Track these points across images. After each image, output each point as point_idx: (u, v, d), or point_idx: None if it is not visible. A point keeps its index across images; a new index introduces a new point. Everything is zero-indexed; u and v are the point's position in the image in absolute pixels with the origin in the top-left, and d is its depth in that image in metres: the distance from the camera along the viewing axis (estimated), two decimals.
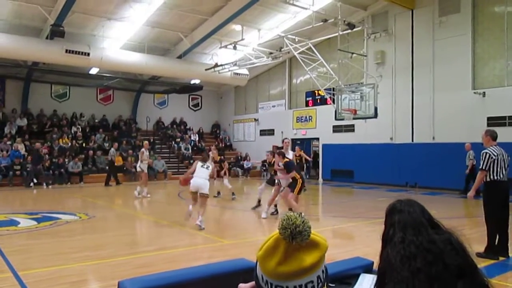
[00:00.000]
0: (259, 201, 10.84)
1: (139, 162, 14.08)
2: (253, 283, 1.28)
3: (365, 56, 17.80)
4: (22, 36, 16.34)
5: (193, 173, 8.51)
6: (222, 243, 7.07)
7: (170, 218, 9.66)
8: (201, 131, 25.79)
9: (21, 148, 18.35)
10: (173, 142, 23.87)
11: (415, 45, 16.63)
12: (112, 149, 19.13)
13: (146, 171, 13.76)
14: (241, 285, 1.33)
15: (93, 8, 16.09)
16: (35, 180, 17.16)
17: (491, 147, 6.01)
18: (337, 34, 15.16)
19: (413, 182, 16.27)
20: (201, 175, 8.37)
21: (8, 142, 18.48)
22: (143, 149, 13.95)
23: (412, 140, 16.71)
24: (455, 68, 15.30)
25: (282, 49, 17.42)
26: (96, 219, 9.44)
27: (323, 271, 1.19)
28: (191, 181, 8.40)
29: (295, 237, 1.13)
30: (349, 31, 15.35)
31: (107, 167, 18.80)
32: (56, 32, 15.73)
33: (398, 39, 17.24)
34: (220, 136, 26.32)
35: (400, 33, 17.13)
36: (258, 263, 1.19)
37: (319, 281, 1.17)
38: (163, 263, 5.65)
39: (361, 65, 17.73)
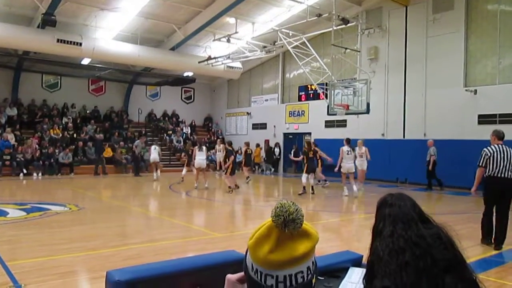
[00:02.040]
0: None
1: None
2: (241, 273, 1.28)
3: (359, 51, 17.81)
4: (12, 25, 16.10)
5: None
6: (213, 236, 7.07)
7: (160, 210, 9.65)
8: (193, 123, 25.72)
9: (11, 138, 18.18)
10: (165, 135, 23.78)
11: (408, 42, 16.67)
12: (138, 141, 19.53)
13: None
14: (228, 275, 1.32)
15: None
16: (24, 171, 17.02)
17: (490, 146, 6.37)
18: (331, 29, 15.14)
19: (403, 178, 16.37)
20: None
21: None
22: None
23: (404, 137, 16.79)
24: (448, 65, 15.36)
25: (276, 43, 17.38)
26: (86, 211, 9.39)
27: (313, 263, 1.19)
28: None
29: (288, 224, 1.13)
30: (343, 26, 15.32)
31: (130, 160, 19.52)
32: (48, 21, 15.52)
33: (391, 35, 17.26)
34: (212, 129, 26.27)
35: (394, 29, 17.16)
36: (248, 251, 1.18)
37: (309, 272, 1.17)
38: (153, 255, 5.64)
39: (355, 60, 17.74)
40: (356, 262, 2.41)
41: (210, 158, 20.04)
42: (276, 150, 22.22)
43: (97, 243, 6.31)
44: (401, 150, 16.48)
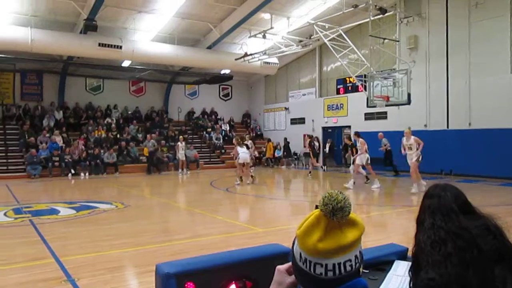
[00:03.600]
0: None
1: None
2: (290, 264, 1.30)
3: (398, 41, 17.37)
4: (57, 31, 16.81)
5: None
6: (255, 231, 7.13)
7: (203, 207, 9.81)
8: (231, 120, 25.93)
9: (59, 140, 19.00)
10: (204, 132, 24.13)
11: (450, 28, 16.10)
12: (152, 141, 20.00)
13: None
14: (278, 266, 1.35)
15: (124, 1, 16.34)
16: (72, 171, 17.76)
17: None
18: (368, 19, 14.85)
19: (448, 170, 15.87)
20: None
21: (47, 135, 19.14)
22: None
23: (447, 127, 16.26)
24: (493, 51, 14.72)
25: (312, 37, 17.23)
26: (131, 208, 9.69)
27: (360, 252, 1.20)
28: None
29: (336, 213, 1.15)
30: (381, 16, 14.99)
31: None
32: (89, 27, 16.11)
33: (432, 22, 16.72)
34: (251, 126, 26.40)
35: (434, 17, 16.61)
36: (297, 241, 1.20)
37: (357, 260, 1.18)
38: (197, 250, 5.75)
39: (393, 50, 17.32)
40: (402, 255, 2.38)
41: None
42: (316, 144, 22.06)
43: (143, 239, 6.50)
44: (445, 141, 15.97)
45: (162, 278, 1.51)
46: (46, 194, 13.15)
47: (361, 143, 12.84)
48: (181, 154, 18.71)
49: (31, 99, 21.21)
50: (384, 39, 16.10)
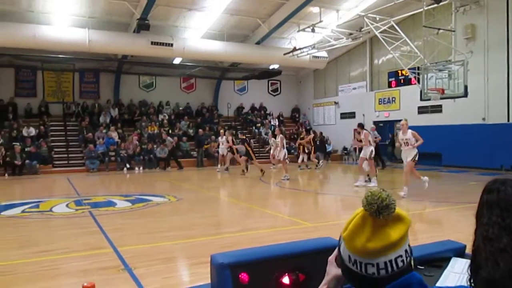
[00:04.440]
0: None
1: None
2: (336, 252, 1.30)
3: (453, 31, 16.61)
4: (112, 32, 17.49)
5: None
6: (304, 226, 7.11)
7: (252, 201, 9.91)
8: (281, 115, 25.92)
9: (114, 135, 19.82)
10: (254, 127, 24.28)
11: (510, 17, 15.21)
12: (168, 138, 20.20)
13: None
14: (329, 257, 1.35)
15: (175, 0, 16.72)
16: (127, 165, 18.47)
17: None
18: (421, 9, 14.31)
19: (508, 165, 15.06)
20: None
21: (104, 131, 20.01)
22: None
23: (508, 120, 15.41)
24: None
25: (362, 29, 16.84)
26: (183, 201, 9.95)
27: (409, 245, 1.19)
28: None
29: (382, 211, 1.13)
30: (435, 5, 14.41)
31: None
32: (142, 26, 16.64)
33: (491, 10, 15.87)
34: (300, 120, 26.27)
35: (494, 4, 15.75)
36: (343, 243, 1.20)
37: (407, 255, 1.17)
38: (247, 243, 5.82)
39: (449, 41, 16.59)
40: (459, 252, 2.30)
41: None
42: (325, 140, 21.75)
43: (195, 232, 6.67)
44: (505, 135, 15.15)
45: (217, 268, 1.56)
46: (103, 187, 13.77)
47: (364, 135, 12.09)
48: (221, 149, 17.99)
49: (89, 97, 22.24)
50: (439, 29, 15.45)
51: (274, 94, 26.94)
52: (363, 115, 21.97)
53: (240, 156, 16.41)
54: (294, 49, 19.32)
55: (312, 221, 7.50)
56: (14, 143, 17.74)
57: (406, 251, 1.17)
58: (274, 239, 6.10)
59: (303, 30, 18.09)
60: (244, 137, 17.46)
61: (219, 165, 18.01)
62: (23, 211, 8.67)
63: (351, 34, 17.54)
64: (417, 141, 9.91)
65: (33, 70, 20.89)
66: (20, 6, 16.17)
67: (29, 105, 20.84)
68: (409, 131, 10.03)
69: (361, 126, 12.80)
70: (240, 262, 1.57)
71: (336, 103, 24.05)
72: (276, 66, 22.86)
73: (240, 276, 1.54)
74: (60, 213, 8.49)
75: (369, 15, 15.80)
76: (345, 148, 22.89)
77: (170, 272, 4.78)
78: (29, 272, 4.71)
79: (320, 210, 9.20)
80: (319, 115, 25.62)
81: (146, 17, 16.46)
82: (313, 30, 17.48)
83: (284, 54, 19.90)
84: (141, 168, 18.69)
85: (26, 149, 17.81)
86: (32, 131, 19.18)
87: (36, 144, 18.29)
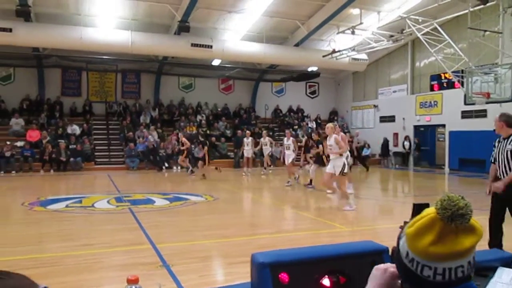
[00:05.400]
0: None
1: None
2: (388, 264, 1.27)
3: (501, 33, 15.95)
4: (154, 33, 17.91)
5: None
6: (340, 229, 7.03)
7: (288, 203, 9.89)
8: (318, 118, 25.72)
9: (154, 135, 20.26)
10: (291, 130, 24.20)
11: None
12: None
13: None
14: (379, 266, 1.30)
15: (215, 3, 16.93)
16: (166, 164, 18.84)
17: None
18: (467, 11, 13.86)
19: None
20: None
21: (144, 130, 20.50)
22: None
23: None
24: None
25: (404, 31, 16.45)
26: (220, 201, 10.05)
27: (473, 257, 1.14)
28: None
29: (455, 219, 1.09)
30: (481, 6, 13.90)
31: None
32: (183, 28, 16.95)
33: None
34: (338, 123, 25.93)
35: None
36: (405, 239, 1.16)
37: (469, 266, 1.12)
38: (283, 245, 5.81)
39: (496, 43, 15.95)
40: (506, 261, 2.21)
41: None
42: (406, 143, 21.16)
43: (231, 231, 6.72)
44: None
45: (257, 267, 1.57)
46: (142, 185, 14.09)
47: (292, 142, 11.87)
48: (246, 151, 17.40)
49: (130, 97, 22.85)
50: (485, 31, 14.90)
51: (312, 96, 26.77)
52: (403, 118, 21.49)
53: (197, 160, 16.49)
54: (333, 51, 19.12)
55: (348, 225, 7.41)
56: (59, 141, 18.49)
57: (469, 262, 1.12)
58: (309, 242, 6.06)
59: (343, 32, 17.89)
60: (203, 139, 16.90)
61: (244, 168, 17.39)
62: (67, 206, 9.01)
63: (392, 36, 17.19)
64: (340, 148, 8.63)
65: (78, 71, 21.69)
66: (68, 9, 16.83)
67: (74, 104, 21.64)
68: (334, 136, 8.80)
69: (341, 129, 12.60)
70: (281, 262, 1.57)
71: (375, 106, 23.64)
72: (314, 68, 22.72)
73: (280, 276, 1.54)
74: (102, 208, 8.77)
75: (411, 16, 15.44)
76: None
77: (207, 270, 4.85)
78: (73, 264, 4.88)
79: (356, 215, 9.06)
80: (357, 118, 25.26)
81: (186, 19, 16.76)
82: (353, 32, 17.25)
83: (323, 56, 19.73)
84: (179, 167, 19.01)
85: (70, 147, 18.51)
86: (76, 129, 19.91)
87: (80, 142, 18.97)
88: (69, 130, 19.72)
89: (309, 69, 22.80)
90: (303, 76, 23.04)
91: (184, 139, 16.73)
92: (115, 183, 13.67)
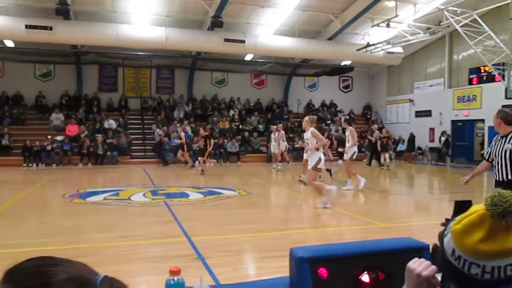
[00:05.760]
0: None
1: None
2: (422, 261, 1.25)
3: None
4: (187, 29, 18.10)
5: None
6: (374, 225, 6.94)
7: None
8: (351, 113, 25.40)
9: (188, 129, 20.53)
10: (324, 124, 24.02)
11: None
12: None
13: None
14: (412, 267, 1.27)
15: None
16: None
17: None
18: (509, 1, 13.34)
19: None
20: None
21: (178, 125, 20.81)
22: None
23: None
24: None
25: (441, 23, 16.01)
26: (253, 196, 10.11)
27: None
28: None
29: (506, 216, 1.06)
30: None
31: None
32: (216, 23, 17.06)
33: None
34: (372, 118, 25.58)
35: None
36: (451, 236, 1.14)
37: None
38: (316, 240, 5.81)
39: None
40: None
41: None
42: (443, 138, 20.62)
43: (264, 226, 6.76)
44: None
45: (296, 262, 1.58)
46: (177, 179, 14.33)
47: (350, 133, 10.92)
48: (272, 147, 16.64)
49: (164, 92, 23.24)
50: None
51: (345, 90, 26.44)
52: (440, 113, 20.94)
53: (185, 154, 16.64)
54: (368, 45, 18.80)
55: (382, 221, 7.30)
56: (96, 135, 19.04)
57: None
58: (343, 238, 6.03)
59: (377, 25, 17.57)
60: (206, 133, 16.48)
61: (273, 164, 16.57)
62: (104, 198, 9.29)
63: (429, 28, 16.74)
64: (317, 142, 8.12)
65: (114, 67, 22.21)
66: (105, 7, 17.23)
67: (110, 99, 22.20)
68: (311, 129, 8.22)
69: (348, 122, 11.87)
70: (320, 257, 1.58)
71: (411, 100, 23.12)
72: (348, 62, 22.42)
73: (319, 271, 1.55)
74: (138, 201, 8.99)
75: (449, 8, 15.00)
76: (419, 148, 21.96)
77: (241, 263, 4.90)
78: (111, 255, 5.04)
79: (391, 211, 8.93)
80: (392, 113, 24.78)
81: (219, 14, 16.85)
82: (388, 25, 16.91)
83: (357, 50, 19.44)
84: (211, 163, 19.20)
85: (107, 141, 19.02)
86: (113, 123, 20.44)
87: (116, 136, 19.46)
88: (106, 125, 20.26)
89: (343, 63, 22.52)
90: (337, 70, 22.78)
91: (182, 134, 16.81)
92: (150, 176, 13.97)
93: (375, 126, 19.27)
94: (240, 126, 22.08)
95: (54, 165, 17.78)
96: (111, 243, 5.57)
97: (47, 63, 21.12)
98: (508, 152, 4.46)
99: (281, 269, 4.31)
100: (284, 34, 19.38)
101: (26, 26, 15.67)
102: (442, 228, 1.26)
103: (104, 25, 17.03)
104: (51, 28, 16.00)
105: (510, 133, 4.54)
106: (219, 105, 23.30)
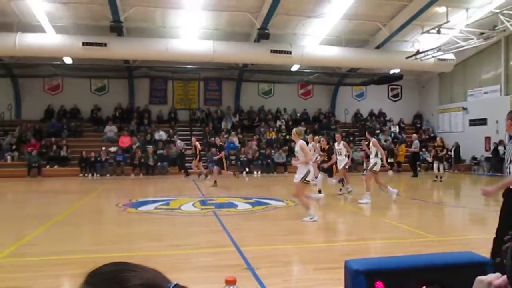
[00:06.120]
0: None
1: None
2: (492, 275, 1.21)
3: None
4: (234, 42, 18.43)
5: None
6: (428, 239, 6.70)
7: (371, 209, 9.62)
8: (401, 122, 24.77)
9: (235, 140, 20.80)
10: (343, 133, 23.61)
11: None
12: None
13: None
14: (481, 278, 1.23)
15: (294, 8, 17.03)
16: (247, 169, 19.23)
17: None
18: None
19: None
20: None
21: (225, 136, 21.12)
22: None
23: None
24: None
25: (496, 28, 15.39)
26: (300, 206, 10.01)
27: None
28: None
29: None
30: None
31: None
32: (262, 35, 17.28)
33: None
34: (423, 127, 24.81)
35: None
36: None
37: None
38: (367, 253, 5.68)
39: None
40: None
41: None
42: (500, 148, 19.63)
43: (313, 237, 6.72)
44: None
45: (352, 275, 1.56)
46: (225, 189, 14.47)
47: (373, 144, 10.44)
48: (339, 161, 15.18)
49: (212, 104, 23.69)
50: None
51: (395, 99, 25.85)
52: (497, 121, 19.96)
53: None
54: (417, 52, 18.34)
55: (436, 234, 7.03)
56: (147, 146, 19.67)
57: None
58: (395, 251, 5.86)
59: (428, 32, 17.12)
60: (221, 143, 16.40)
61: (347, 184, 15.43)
62: (156, 208, 9.55)
63: (482, 33, 16.13)
64: (305, 156, 7.79)
65: (164, 80, 22.94)
66: (155, 23, 17.90)
67: (160, 111, 22.90)
68: (299, 142, 7.93)
69: (371, 133, 11.43)
70: (376, 270, 1.55)
71: (464, 108, 22.24)
72: (396, 71, 21.94)
73: (375, 284, 1.52)
74: (188, 211, 9.18)
75: (504, 11, 14.39)
76: (474, 158, 21.04)
77: (290, 275, 4.88)
78: (163, 264, 5.14)
79: (445, 223, 8.59)
80: (444, 121, 23.93)
81: (266, 26, 17.05)
82: (438, 32, 16.44)
83: (406, 57, 19.00)
84: (259, 172, 19.31)
85: (157, 152, 19.59)
86: (163, 135, 21.05)
87: (166, 147, 20.01)
88: (156, 136, 20.89)
89: (391, 72, 22.07)
90: (385, 79, 22.38)
91: (196, 143, 16.71)
92: (199, 187, 14.21)
93: (415, 135, 18.89)
94: (287, 137, 22.05)
95: (108, 175, 18.52)
96: (162, 251, 5.71)
97: (102, 78, 22.15)
98: None
99: (332, 282, 4.27)
100: (330, 43, 19.29)
101: (83, 44, 16.55)
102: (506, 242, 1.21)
103: (155, 40, 17.66)
104: (105, 45, 16.78)
105: None
106: (265, 115, 23.44)
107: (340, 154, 12.25)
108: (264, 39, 17.58)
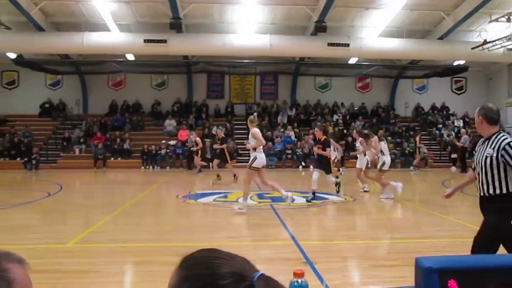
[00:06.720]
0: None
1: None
2: None
3: None
4: (291, 36, 18.33)
5: None
6: None
7: (432, 206, 9.28)
8: (466, 116, 23.57)
9: (292, 134, 20.78)
10: (434, 129, 22.66)
11: None
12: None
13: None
14: None
15: (352, 0, 16.66)
16: (303, 163, 19.17)
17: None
18: None
19: None
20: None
21: (281, 130, 21.15)
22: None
23: None
24: None
25: None
26: (358, 202, 9.89)
27: None
28: None
29: None
30: None
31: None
32: (319, 28, 17.03)
33: None
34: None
35: None
36: None
37: None
38: (429, 252, 5.48)
39: None
40: None
41: None
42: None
43: (371, 233, 6.61)
44: None
45: (424, 272, 1.52)
46: (280, 183, 14.50)
47: (361, 143, 10.42)
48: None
49: (268, 98, 23.78)
50: None
51: (459, 92, 24.65)
52: None
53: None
54: (485, 42, 17.32)
55: None
56: (205, 140, 20.08)
57: None
58: (456, 250, 5.61)
59: (496, 20, 16.17)
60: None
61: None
62: (214, 200, 9.78)
63: None
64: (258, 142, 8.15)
65: (221, 75, 23.30)
66: (213, 18, 18.21)
67: (217, 106, 23.32)
68: (252, 130, 8.44)
69: (359, 132, 11.48)
70: (449, 269, 1.51)
71: None
72: (461, 62, 20.88)
73: (449, 283, 1.48)
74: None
75: None
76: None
77: (349, 270, 4.84)
78: None
79: None
80: None
81: (323, 19, 16.80)
82: (508, 20, 15.50)
83: (472, 48, 18.01)
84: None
85: (214, 146, 19.94)
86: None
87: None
88: (213, 130, 21.27)
89: (455, 63, 21.03)
90: (449, 71, 21.38)
91: (198, 139, 16.50)
92: (255, 180, 14.31)
93: (463, 130, 19.03)
94: (345, 131, 21.71)
95: (168, 167, 19.14)
96: (220, 242, 5.81)
97: (162, 74, 22.87)
98: (489, 160, 3.38)
99: (395, 279, 4.17)
100: (390, 35, 18.68)
101: (145, 41, 17.13)
102: None
103: (212, 35, 17.96)
104: (165, 41, 17.28)
105: (493, 135, 3.50)
106: (322, 110, 23.19)
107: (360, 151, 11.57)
108: (321, 32, 17.33)
